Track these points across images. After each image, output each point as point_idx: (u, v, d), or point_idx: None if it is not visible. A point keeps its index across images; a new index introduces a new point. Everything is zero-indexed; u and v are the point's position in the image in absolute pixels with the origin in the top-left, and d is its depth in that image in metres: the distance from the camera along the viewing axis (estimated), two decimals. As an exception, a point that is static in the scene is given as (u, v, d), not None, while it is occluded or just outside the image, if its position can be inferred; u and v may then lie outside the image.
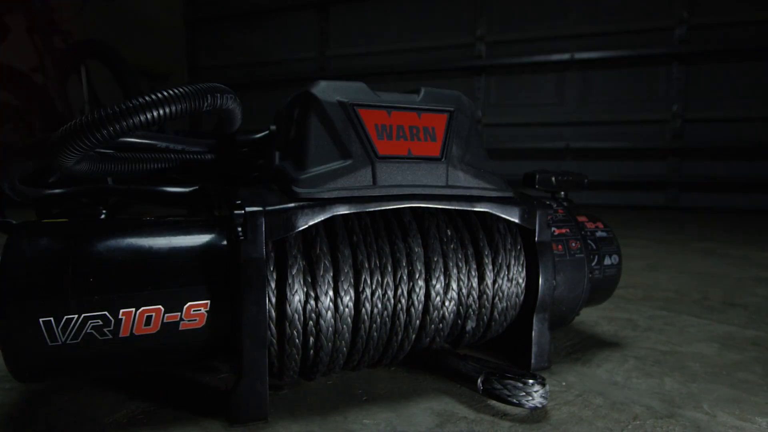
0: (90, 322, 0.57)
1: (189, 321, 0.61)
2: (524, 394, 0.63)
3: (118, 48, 3.25)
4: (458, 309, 0.72)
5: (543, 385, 0.64)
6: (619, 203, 4.02)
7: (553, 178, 0.89)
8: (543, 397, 0.64)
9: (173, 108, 0.52)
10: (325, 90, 0.68)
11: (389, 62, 4.71)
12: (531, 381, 0.64)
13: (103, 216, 0.72)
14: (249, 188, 0.67)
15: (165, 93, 0.52)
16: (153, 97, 0.51)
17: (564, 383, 0.74)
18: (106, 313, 0.57)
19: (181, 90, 0.53)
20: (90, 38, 3.26)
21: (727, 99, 3.74)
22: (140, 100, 0.50)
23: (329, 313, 0.63)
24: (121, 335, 0.58)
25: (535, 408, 0.64)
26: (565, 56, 4.08)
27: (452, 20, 4.53)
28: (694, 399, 0.70)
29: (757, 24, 3.60)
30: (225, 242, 0.63)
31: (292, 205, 0.61)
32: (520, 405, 0.64)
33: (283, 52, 5.23)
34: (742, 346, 0.91)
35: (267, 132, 0.78)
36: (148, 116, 0.50)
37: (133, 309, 0.58)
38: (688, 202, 3.86)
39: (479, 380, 0.66)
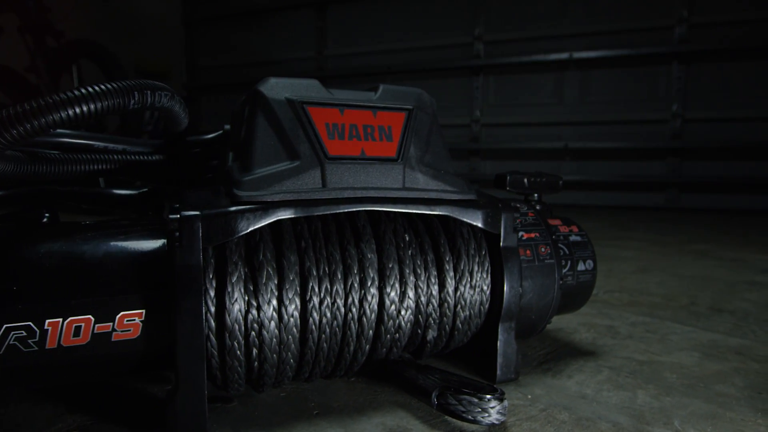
0: (13, 333, 0.53)
1: (122, 332, 0.57)
2: (480, 410, 0.59)
3: (112, 48, 3.23)
4: (417, 318, 0.68)
5: (501, 400, 0.60)
6: (619, 204, 3.97)
7: (526, 180, 0.85)
8: (501, 414, 0.60)
9: (93, 106, 0.48)
10: (274, 87, 0.65)
11: (387, 62, 4.67)
12: (488, 396, 0.60)
13: (45, 220, 0.68)
14: (196, 191, 0.64)
15: (84, 90, 0.48)
16: (70, 94, 0.48)
17: (530, 396, 0.71)
18: (30, 323, 0.54)
19: (102, 87, 0.50)
20: (82, 38, 3.24)
21: (728, 98, 3.68)
22: (55, 97, 0.46)
23: (272, 323, 0.59)
24: (47, 347, 0.55)
25: (492, 425, 0.61)
26: (564, 56, 4.03)
27: (450, 20, 4.49)
28: (665, 415, 0.66)
29: (757, 23, 3.54)
30: (165, 248, 0.60)
31: (231, 208, 0.58)
32: (475, 422, 0.60)
33: (281, 52, 5.20)
34: (724, 355, 0.87)
35: (221, 132, 0.74)
36: (63, 115, 0.47)
37: (60, 319, 0.55)
38: (689, 202, 3.81)
39: (433, 395, 0.62)
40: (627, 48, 3.86)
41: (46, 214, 0.69)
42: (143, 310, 0.57)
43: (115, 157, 0.65)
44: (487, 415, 0.59)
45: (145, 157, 0.68)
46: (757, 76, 3.58)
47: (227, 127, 0.73)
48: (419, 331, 0.70)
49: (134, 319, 0.57)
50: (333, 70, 4.95)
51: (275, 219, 0.59)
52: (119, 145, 0.66)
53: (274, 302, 0.59)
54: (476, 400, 0.59)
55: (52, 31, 3.35)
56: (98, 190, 0.71)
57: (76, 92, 0.48)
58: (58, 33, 3.37)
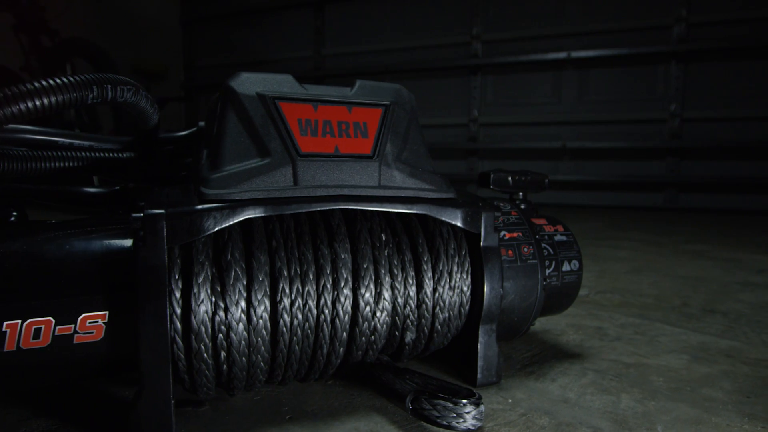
0: (-31, 335, 0.52)
1: (85, 334, 0.55)
2: (455, 415, 0.57)
3: (109, 47, 3.21)
4: (394, 320, 0.66)
5: (477, 405, 0.58)
6: (617, 204, 3.95)
7: (510, 178, 0.83)
8: (477, 419, 0.58)
9: (47, 100, 0.46)
10: (245, 82, 0.63)
11: (385, 61, 4.66)
12: (463, 401, 0.58)
13: (12, 219, 0.67)
14: (165, 189, 0.62)
15: (38, 84, 0.47)
16: (23, 88, 0.46)
17: (510, 400, 0.69)
18: (-13, 325, 0.52)
19: (59, 80, 0.48)
20: (76, 36, 3.23)
21: (727, 98, 3.66)
22: (7, 91, 0.45)
23: (241, 326, 0.57)
24: (5, 350, 0.53)
25: (468, 431, 0.59)
26: (562, 55, 4.01)
27: (448, 19, 4.47)
28: (648, 420, 0.64)
29: (756, 22, 3.52)
30: (130, 248, 0.58)
31: (198, 207, 0.56)
32: (450, 428, 0.58)
33: (279, 52, 5.18)
34: (714, 357, 0.85)
35: (195, 129, 0.73)
36: (14, 110, 0.45)
37: (19, 321, 0.53)
38: (687, 202, 3.79)
39: (407, 399, 0.61)
40: (625, 47, 3.84)
41: (14, 213, 0.67)
42: (106, 312, 0.56)
43: (82, 154, 0.63)
44: (462, 420, 0.57)
45: (114, 155, 0.66)
46: (756, 76, 3.56)
47: (201, 124, 0.72)
48: (397, 333, 0.68)
49: (97, 321, 0.56)
50: (331, 70, 4.93)
51: (244, 218, 0.57)
52: (86, 141, 0.64)
53: (243, 304, 0.57)
54: (451, 405, 0.57)
55: (47, 30, 3.33)
56: (68, 189, 0.70)
57: (29, 86, 0.46)
58: (52, 32, 3.36)
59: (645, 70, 3.88)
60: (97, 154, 0.65)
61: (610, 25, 3.92)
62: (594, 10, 3.97)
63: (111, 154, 0.66)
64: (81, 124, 2.96)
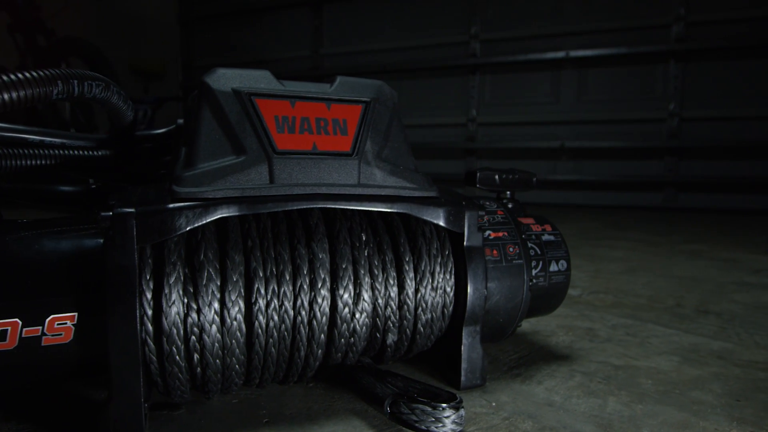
0: (-68, 337, 0.50)
1: (53, 336, 0.54)
2: (434, 420, 0.56)
3: (106, 47, 3.20)
4: (374, 321, 0.65)
5: (457, 409, 0.57)
6: (615, 204, 3.93)
7: (497, 177, 0.82)
8: (456, 423, 0.57)
9: (9, 95, 0.45)
10: (220, 78, 0.61)
11: (383, 61, 4.65)
12: (443, 405, 0.56)
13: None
14: (139, 187, 0.61)
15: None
16: None
17: (494, 403, 0.67)
18: (-49, 327, 0.51)
19: (21, 75, 0.46)
20: (71, 36, 3.22)
21: (725, 97, 3.64)
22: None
23: (214, 327, 0.56)
24: (-29, 352, 0.52)
25: (448, 435, 0.57)
26: (561, 54, 4.00)
27: (446, 18, 4.45)
28: (634, 424, 0.62)
29: (754, 21, 3.50)
30: (100, 248, 0.56)
31: (169, 206, 0.54)
32: (429, 432, 0.56)
33: (277, 51, 5.17)
34: (705, 359, 0.84)
35: (173, 126, 0.71)
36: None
37: (-15, 323, 0.52)
38: (686, 202, 3.77)
39: (386, 403, 0.59)
40: (624, 46, 3.83)
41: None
42: (76, 313, 0.54)
43: (54, 152, 0.62)
44: (441, 425, 0.56)
45: (88, 152, 0.65)
46: (754, 75, 3.54)
47: (180, 121, 0.70)
48: (378, 335, 0.66)
49: (66, 323, 0.54)
50: (329, 69, 4.92)
51: (217, 217, 0.56)
52: (58, 139, 0.63)
53: (216, 305, 0.56)
54: (430, 409, 0.56)
55: (43, 29, 3.32)
56: (45, 188, 0.68)
57: None
58: (48, 31, 3.35)
59: (643, 70, 3.87)
60: (70, 152, 0.63)
61: (608, 25, 3.90)
62: (592, 10, 3.96)
63: (85, 152, 0.65)
64: (77, 124, 2.94)
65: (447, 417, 0.56)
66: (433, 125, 4.49)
